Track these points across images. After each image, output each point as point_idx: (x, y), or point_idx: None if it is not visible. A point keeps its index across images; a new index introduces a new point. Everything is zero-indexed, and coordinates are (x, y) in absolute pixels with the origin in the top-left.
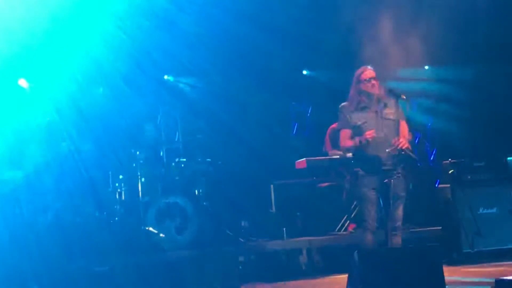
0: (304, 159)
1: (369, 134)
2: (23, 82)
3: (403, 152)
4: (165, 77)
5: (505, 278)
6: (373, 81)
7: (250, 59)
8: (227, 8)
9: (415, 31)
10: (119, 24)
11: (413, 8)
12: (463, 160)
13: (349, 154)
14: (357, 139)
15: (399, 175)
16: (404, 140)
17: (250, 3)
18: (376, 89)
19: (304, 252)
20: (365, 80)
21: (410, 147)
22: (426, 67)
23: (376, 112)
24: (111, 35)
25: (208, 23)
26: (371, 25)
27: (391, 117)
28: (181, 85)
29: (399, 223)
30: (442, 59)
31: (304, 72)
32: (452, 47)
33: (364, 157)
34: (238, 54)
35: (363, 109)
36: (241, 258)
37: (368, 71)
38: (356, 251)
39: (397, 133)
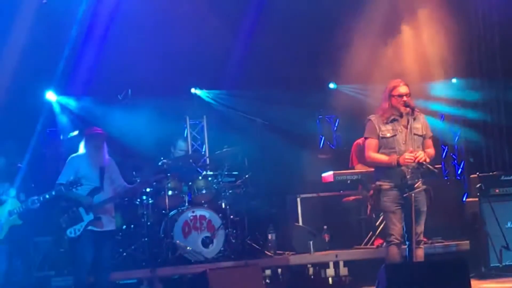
0: (331, 172)
1: (409, 160)
2: (51, 95)
3: (423, 166)
4: (193, 90)
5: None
6: (405, 98)
7: (277, 71)
8: (254, 21)
9: (442, 44)
10: (144, 37)
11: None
12: (491, 173)
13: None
14: (394, 158)
15: (420, 189)
16: (422, 154)
17: (277, 16)
18: (408, 107)
19: (331, 265)
20: (398, 95)
21: (428, 160)
22: (454, 80)
23: (406, 126)
24: (137, 49)
25: (236, 36)
26: (397, 40)
27: (419, 132)
28: (208, 98)
29: (421, 237)
30: (470, 72)
31: (331, 85)
32: (478, 59)
33: (388, 171)
34: (266, 67)
35: (392, 121)
36: (267, 272)
37: (402, 87)
38: (384, 265)
39: (423, 148)
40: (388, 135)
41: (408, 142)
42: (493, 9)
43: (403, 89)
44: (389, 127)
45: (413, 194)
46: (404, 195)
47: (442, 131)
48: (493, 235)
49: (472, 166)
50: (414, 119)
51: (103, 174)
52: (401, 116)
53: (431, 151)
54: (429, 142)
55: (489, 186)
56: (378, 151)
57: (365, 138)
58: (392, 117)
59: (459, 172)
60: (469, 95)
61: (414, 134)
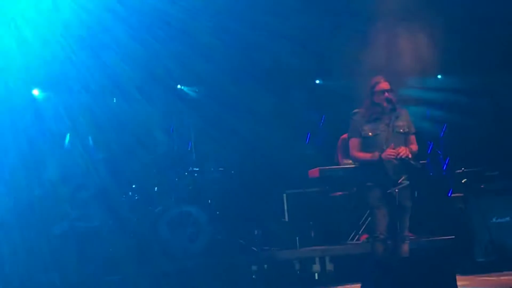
0: (317, 168)
1: (390, 156)
2: (37, 92)
3: (406, 162)
4: (178, 86)
5: None
6: (387, 94)
7: (263, 68)
8: (240, 18)
9: (427, 40)
10: (132, 34)
11: (424, 17)
12: (476, 169)
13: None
14: (376, 154)
15: (404, 185)
16: (404, 150)
17: (263, 12)
18: (390, 102)
19: (317, 261)
20: (379, 91)
21: (410, 156)
22: (439, 76)
23: (388, 124)
24: (124, 45)
25: (221, 33)
26: (383, 34)
27: (402, 130)
28: (194, 95)
29: (405, 232)
30: (455, 68)
31: (317, 81)
32: (464, 55)
33: (372, 167)
34: (251, 63)
35: (375, 120)
36: (254, 267)
37: (382, 83)
38: (369, 260)
39: (406, 144)
40: (370, 134)
41: (391, 141)
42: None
43: (384, 85)
44: (371, 126)
45: (396, 190)
46: (388, 191)
47: (427, 126)
48: (478, 230)
49: (457, 161)
50: (397, 116)
51: (88, 170)
52: (383, 113)
53: (413, 147)
54: (412, 138)
55: (475, 181)
56: (361, 150)
57: (349, 138)
58: (375, 116)
59: (444, 168)
60: (454, 91)
61: (397, 132)
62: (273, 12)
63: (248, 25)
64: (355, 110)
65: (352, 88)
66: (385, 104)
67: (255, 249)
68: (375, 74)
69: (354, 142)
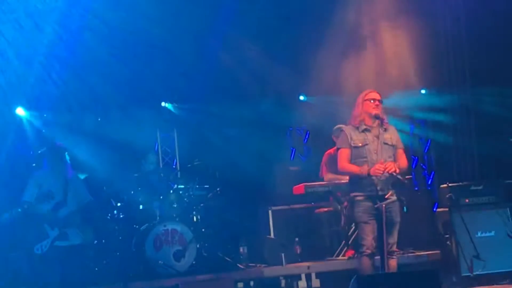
0: (302, 184)
1: (378, 171)
2: (20, 111)
3: (393, 177)
4: (163, 103)
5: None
6: (377, 103)
7: (246, 85)
8: (221, 35)
9: (411, 55)
10: (113, 53)
11: (408, 30)
12: (461, 184)
13: (346, 178)
14: (365, 168)
15: (393, 199)
16: (391, 164)
17: (247, 29)
18: (379, 110)
19: (303, 277)
20: (370, 100)
21: (398, 171)
22: (423, 91)
23: (377, 136)
24: (106, 64)
25: (204, 51)
26: (366, 51)
27: (390, 142)
28: (178, 112)
29: (394, 247)
30: (439, 82)
31: (301, 97)
32: (447, 69)
33: (360, 182)
34: (234, 80)
35: (364, 131)
36: (240, 285)
37: (374, 93)
38: (355, 276)
39: (394, 159)
40: (360, 144)
41: (380, 152)
42: (461, 20)
43: (375, 95)
44: (360, 136)
45: (383, 205)
46: (376, 206)
47: (412, 141)
48: (463, 244)
49: (442, 176)
50: (385, 129)
51: (67, 188)
52: (373, 124)
53: (403, 163)
54: (401, 152)
55: (459, 196)
56: (351, 161)
57: (338, 149)
58: (364, 126)
59: (429, 182)
60: (438, 105)
61: (385, 143)
62: (257, 30)
63: (230, 42)
64: (342, 125)
65: (335, 104)
66: (374, 111)
67: (241, 266)
68: (362, 90)
69: (343, 153)
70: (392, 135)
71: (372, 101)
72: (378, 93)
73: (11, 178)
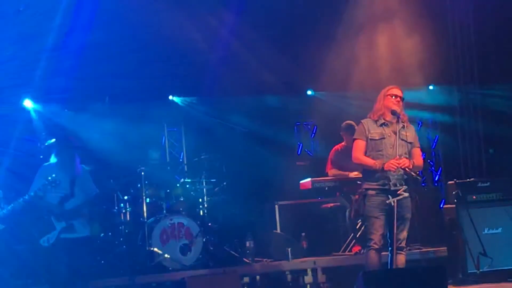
0: (309, 179)
1: (392, 166)
2: (28, 103)
3: (407, 173)
4: (170, 97)
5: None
6: (399, 99)
7: (253, 79)
8: (231, 30)
9: (419, 52)
10: (122, 45)
11: (416, 27)
12: (468, 180)
13: (355, 173)
14: (379, 163)
15: (405, 195)
16: (406, 160)
17: (255, 23)
18: (399, 107)
19: (309, 272)
20: (392, 96)
21: (411, 167)
22: (431, 87)
23: (395, 132)
24: (115, 57)
25: (212, 45)
26: (375, 47)
27: (407, 139)
28: (185, 106)
29: (403, 243)
30: (446, 79)
31: (309, 92)
32: (455, 66)
33: (374, 176)
34: (241, 74)
35: (382, 125)
36: (245, 279)
37: (396, 89)
38: (361, 271)
39: (410, 156)
40: (377, 137)
41: (396, 147)
42: (470, 17)
43: (397, 91)
44: (378, 130)
45: (395, 200)
46: (387, 201)
47: (420, 138)
48: (470, 241)
49: (449, 172)
50: (404, 126)
51: (74, 182)
52: (392, 119)
53: (418, 161)
54: (417, 151)
55: (466, 193)
56: (366, 153)
57: (354, 139)
58: (383, 121)
59: (436, 179)
60: (446, 102)
61: (402, 139)
62: (263, 22)
63: (236, 35)
64: (346, 122)
65: (344, 99)
66: (395, 107)
67: (247, 260)
68: (370, 85)
69: (358, 144)
70: (410, 133)
71: (393, 97)
72: (400, 90)
73: (19, 170)
